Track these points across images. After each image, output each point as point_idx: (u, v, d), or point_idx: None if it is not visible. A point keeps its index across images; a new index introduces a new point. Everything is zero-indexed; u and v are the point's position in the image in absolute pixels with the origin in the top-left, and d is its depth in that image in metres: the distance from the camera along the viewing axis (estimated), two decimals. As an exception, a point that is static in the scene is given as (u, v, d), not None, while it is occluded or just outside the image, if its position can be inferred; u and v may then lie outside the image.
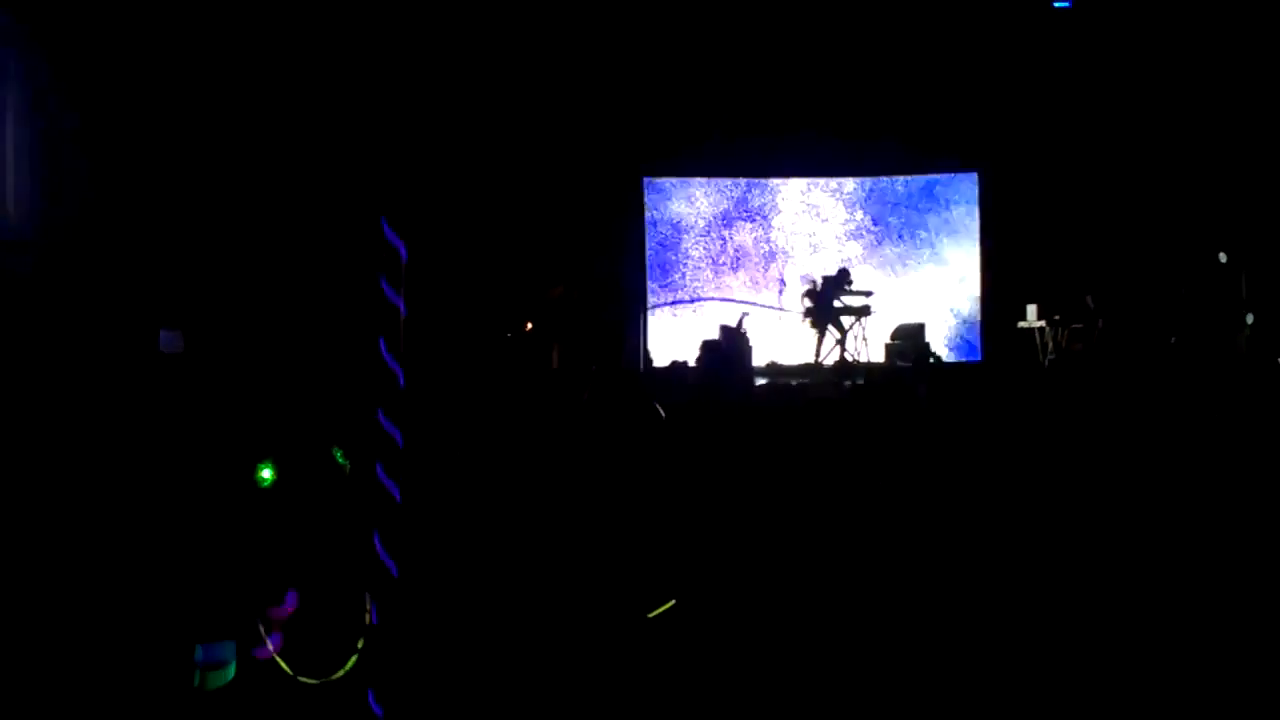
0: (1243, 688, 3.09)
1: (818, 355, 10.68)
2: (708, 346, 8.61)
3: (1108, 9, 10.00)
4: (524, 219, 11.00)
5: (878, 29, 10.28)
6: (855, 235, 12.33)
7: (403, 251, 2.19)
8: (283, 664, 3.14)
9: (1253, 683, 3.10)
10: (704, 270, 12.18)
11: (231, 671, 3.12)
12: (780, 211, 12.32)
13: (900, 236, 12.30)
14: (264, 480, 3.54)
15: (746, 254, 12.29)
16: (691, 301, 12.14)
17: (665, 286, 12.14)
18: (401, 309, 2.22)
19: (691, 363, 11.59)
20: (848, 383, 9.71)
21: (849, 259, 12.16)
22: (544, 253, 11.17)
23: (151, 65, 7.06)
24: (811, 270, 11.90)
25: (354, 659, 3.12)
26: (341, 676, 3.14)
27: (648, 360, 11.95)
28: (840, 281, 10.67)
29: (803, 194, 12.32)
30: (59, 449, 4.25)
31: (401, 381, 2.21)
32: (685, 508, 4.16)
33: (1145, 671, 3.23)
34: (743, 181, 12.28)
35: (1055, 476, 5.05)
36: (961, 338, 12.22)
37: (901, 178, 12.22)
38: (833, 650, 3.31)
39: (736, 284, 12.22)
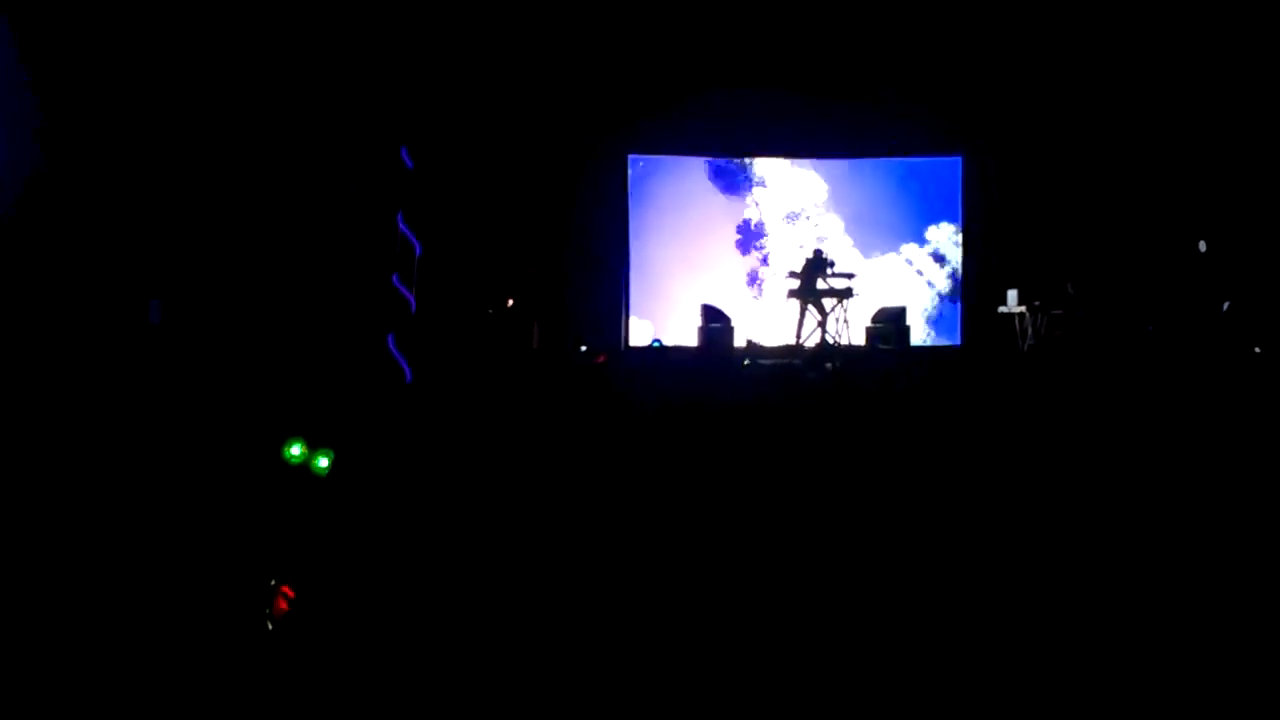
0: (1229, 680, 3.13)
1: (798, 337, 10.71)
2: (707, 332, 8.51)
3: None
4: (505, 196, 10.91)
5: (867, 10, 10.23)
6: (837, 216, 12.33)
7: (418, 247, 2.16)
8: None
9: (1239, 675, 3.14)
10: (686, 248, 12.13)
11: None
12: (764, 190, 12.29)
13: (884, 218, 12.31)
14: (294, 458, 3.42)
15: (728, 232, 12.26)
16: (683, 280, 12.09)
17: (647, 264, 12.09)
18: (412, 303, 2.19)
19: (667, 343, 11.62)
20: (829, 365, 9.75)
21: (830, 240, 12.18)
22: (526, 230, 11.10)
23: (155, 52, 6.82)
24: (794, 252, 11.92)
25: None
26: None
27: (627, 340, 11.96)
28: (822, 264, 10.67)
29: (787, 173, 12.30)
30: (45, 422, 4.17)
31: (409, 375, 2.18)
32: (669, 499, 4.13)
33: (1137, 667, 3.26)
34: (729, 161, 12.26)
35: (1032, 464, 5.08)
36: (941, 320, 12.30)
37: (886, 159, 12.21)
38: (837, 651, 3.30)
39: (718, 262, 12.20)
